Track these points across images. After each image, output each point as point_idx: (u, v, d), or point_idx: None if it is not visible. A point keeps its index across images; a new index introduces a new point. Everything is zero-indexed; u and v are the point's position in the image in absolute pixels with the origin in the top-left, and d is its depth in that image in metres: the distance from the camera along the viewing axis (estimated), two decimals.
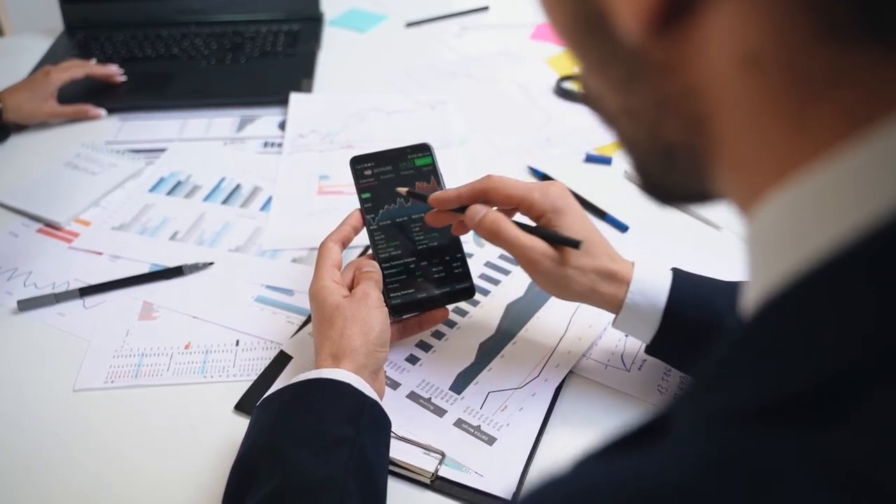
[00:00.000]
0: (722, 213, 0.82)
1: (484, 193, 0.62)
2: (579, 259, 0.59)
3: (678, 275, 0.60)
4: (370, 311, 0.61)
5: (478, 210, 0.61)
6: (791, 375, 0.21)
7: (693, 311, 0.59)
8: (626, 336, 0.69)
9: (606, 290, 0.60)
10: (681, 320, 0.59)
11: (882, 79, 0.20)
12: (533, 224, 0.62)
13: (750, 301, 0.25)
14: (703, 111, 0.24)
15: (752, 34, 0.21)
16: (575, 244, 0.58)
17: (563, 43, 0.29)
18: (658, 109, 0.26)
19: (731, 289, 0.60)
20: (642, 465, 0.22)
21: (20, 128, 1.03)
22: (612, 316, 0.66)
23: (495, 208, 0.62)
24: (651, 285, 0.59)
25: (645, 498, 0.21)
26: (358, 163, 0.70)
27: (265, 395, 0.59)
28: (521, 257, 0.60)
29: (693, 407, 0.24)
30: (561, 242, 0.59)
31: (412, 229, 0.69)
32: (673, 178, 0.30)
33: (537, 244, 0.59)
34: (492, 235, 0.60)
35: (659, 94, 0.26)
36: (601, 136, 0.97)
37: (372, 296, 0.62)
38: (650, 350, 0.63)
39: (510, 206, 0.62)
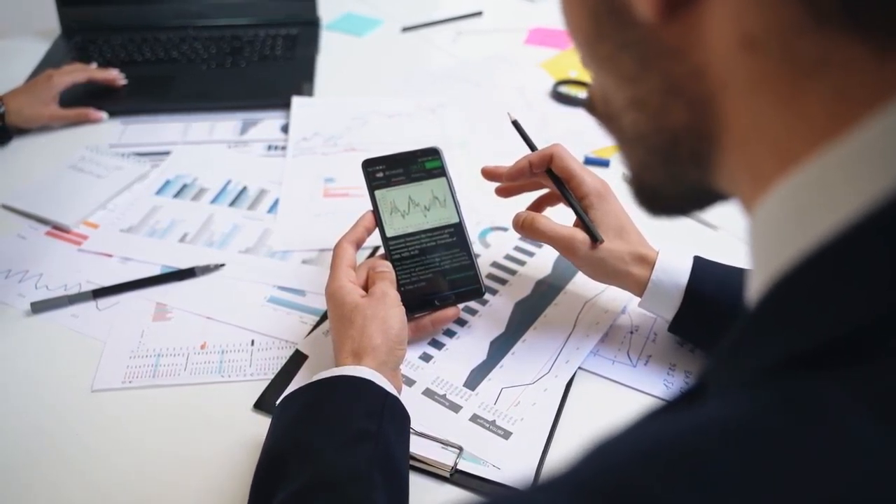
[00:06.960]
0: (719, 214, 0.85)
1: (549, 159, 0.69)
2: (613, 243, 0.65)
3: (699, 259, 0.66)
4: (389, 310, 0.62)
5: (517, 215, 0.70)
6: (832, 323, 0.22)
7: (712, 289, 0.64)
8: (632, 333, 0.71)
9: (637, 272, 0.65)
10: (701, 297, 0.64)
11: (866, 66, 0.22)
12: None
13: (756, 283, 0.26)
14: (709, 91, 0.26)
15: (751, 17, 0.23)
16: (596, 239, 0.65)
17: (577, 38, 0.32)
18: (666, 94, 0.29)
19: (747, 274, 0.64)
20: (698, 418, 0.23)
21: (22, 131, 1.03)
22: (617, 313, 0.69)
23: (545, 191, 0.73)
24: (674, 266, 0.65)
25: (713, 439, 0.21)
26: (369, 165, 0.72)
27: (287, 393, 0.61)
28: (560, 246, 0.67)
29: (729, 368, 0.26)
30: (588, 231, 0.66)
31: (423, 230, 0.71)
32: (672, 174, 0.31)
33: (574, 233, 0.66)
34: (530, 231, 0.68)
35: (668, 77, 0.28)
36: (599, 139, 0.99)
37: (390, 295, 0.64)
38: (673, 327, 0.67)
39: (565, 176, 0.68)
